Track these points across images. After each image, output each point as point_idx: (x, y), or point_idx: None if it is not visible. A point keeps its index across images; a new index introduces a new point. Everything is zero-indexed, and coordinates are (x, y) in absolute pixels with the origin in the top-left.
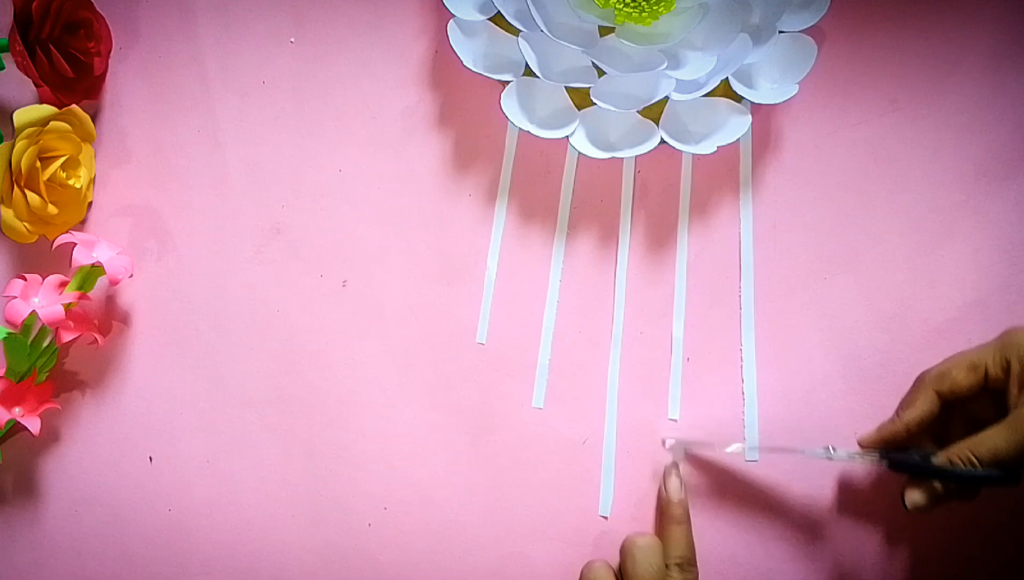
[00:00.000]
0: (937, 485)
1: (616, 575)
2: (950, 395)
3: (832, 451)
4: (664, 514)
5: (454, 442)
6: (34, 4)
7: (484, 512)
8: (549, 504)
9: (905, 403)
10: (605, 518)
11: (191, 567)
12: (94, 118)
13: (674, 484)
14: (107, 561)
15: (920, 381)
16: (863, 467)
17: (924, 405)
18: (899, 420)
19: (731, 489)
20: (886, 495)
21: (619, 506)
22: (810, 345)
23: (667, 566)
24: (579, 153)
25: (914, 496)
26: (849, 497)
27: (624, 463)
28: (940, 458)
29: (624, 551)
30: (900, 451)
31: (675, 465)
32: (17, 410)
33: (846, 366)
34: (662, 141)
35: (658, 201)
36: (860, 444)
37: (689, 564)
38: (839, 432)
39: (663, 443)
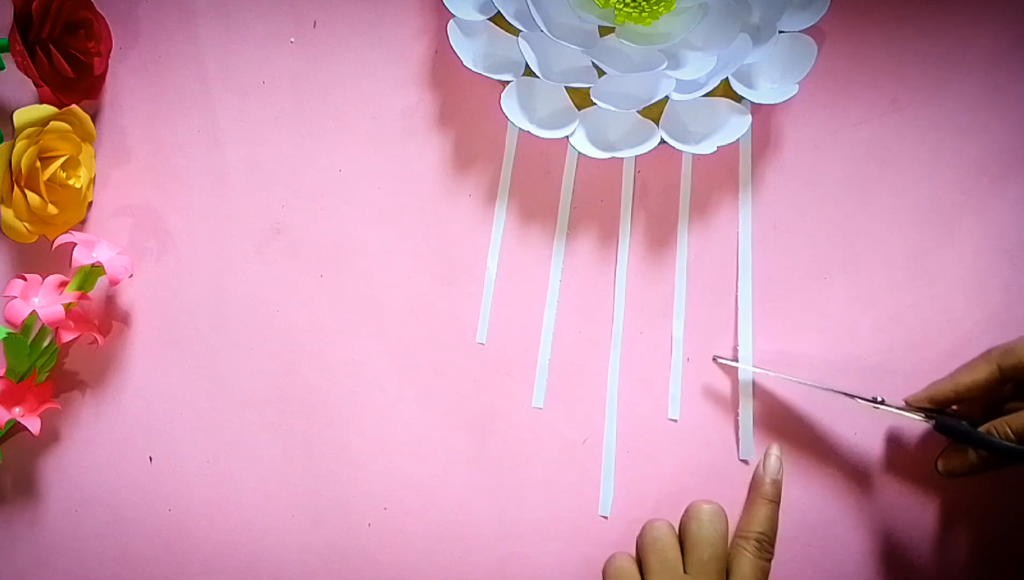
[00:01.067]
0: (972, 454)
1: (678, 538)
2: (1012, 372)
3: (880, 402)
4: (755, 489)
5: (454, 442)
6: (34, 4)
7: (484, 512)
8: (549, 504)
9: (964, 367)
10: (605, 518)
11: (191, 567)
12: (94, 118)
13: (773, 464)
14: (107, 561)
15: (987, 352)
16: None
17: (980, 373)
18: (950, 380)
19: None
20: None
21: (619, 506)
22: (810, 345)
23: (746, 539)
24: (579, 153)
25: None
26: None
27: (624, 463)
28: (982, 428)
29: (689, 514)
30: (950, 416)
31: (776, 446)
32: (17, 410)
33: (846, 366)
34: (662, 141)
35: (658, 201)
36: (907, 402)
37: (769, 543)
38: (838, 432)
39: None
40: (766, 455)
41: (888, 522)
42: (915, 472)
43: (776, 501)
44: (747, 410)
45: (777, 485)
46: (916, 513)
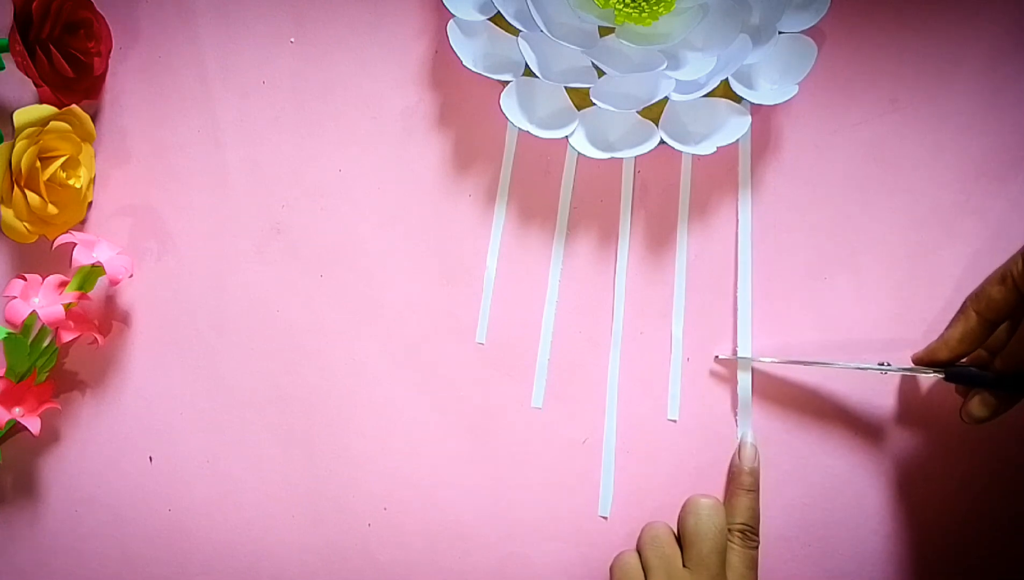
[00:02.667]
0: (988, 395)
1: (675, 533)
2: (988, 312)
3: (887, 366)
4: (734, 481)
5: (454, 442)
6: (34, 4)
7: (484, 512)
8: (549, 504)
9: (949, 324)
10: (605, 518)
11: (191, 567)
12: (94, 118)
13: (748, 452)
14: (107, 561)
15: (963, 303)
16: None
17: (961, 323)
18: (940, 340)
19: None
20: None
21: (619, 506)
22: (809, 345)
23: (730, 531)
24: (579, 153)
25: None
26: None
27: (624, 463)
28: (992, 366)
29: (687, 510)
30: (959, 367)
31: (751, 434)
32: (17, 410)
33: (845, 367)
34: (662, 141)
35: (658, 201)
36: (913, 361)
37: (752, 532)
38: (838, 431)
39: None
40: (741, 444)
41: (889, 521)
42: (919, 473)
43: (755, 490)
44: (746, 412)
45: (755, 473)
46: (918, 513)
